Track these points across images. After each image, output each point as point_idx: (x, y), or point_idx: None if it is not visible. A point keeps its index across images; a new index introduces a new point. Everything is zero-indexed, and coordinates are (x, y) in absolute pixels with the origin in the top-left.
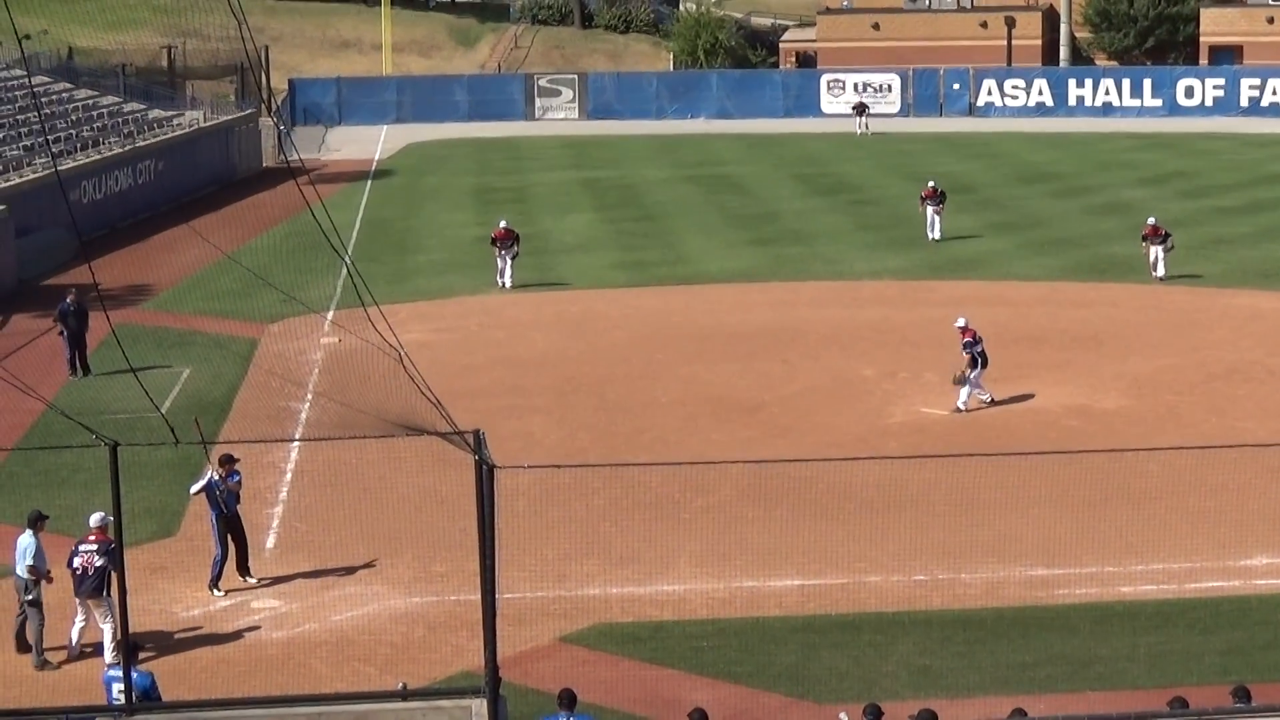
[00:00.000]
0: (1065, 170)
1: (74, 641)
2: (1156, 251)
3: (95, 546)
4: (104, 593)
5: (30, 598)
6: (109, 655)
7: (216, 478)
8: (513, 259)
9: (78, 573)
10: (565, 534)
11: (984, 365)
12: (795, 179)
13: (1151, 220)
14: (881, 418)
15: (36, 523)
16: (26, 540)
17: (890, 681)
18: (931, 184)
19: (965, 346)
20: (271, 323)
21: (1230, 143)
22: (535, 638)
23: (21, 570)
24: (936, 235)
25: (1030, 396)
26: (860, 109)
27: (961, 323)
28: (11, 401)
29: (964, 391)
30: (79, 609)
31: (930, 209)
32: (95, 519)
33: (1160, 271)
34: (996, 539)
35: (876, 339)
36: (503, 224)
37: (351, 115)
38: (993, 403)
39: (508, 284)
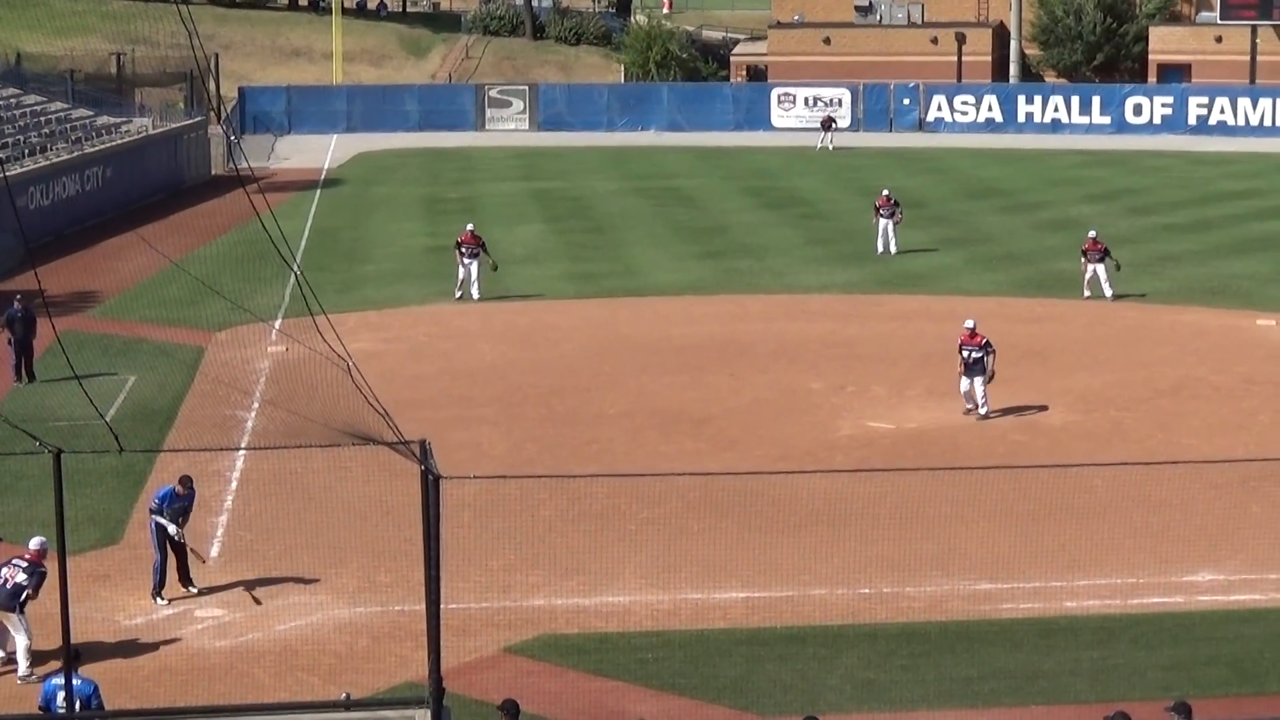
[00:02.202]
0: (1014, 186)
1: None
2: (1094, 269)
3: (24, 564)
4: (19, 609)
5: None
6: (22, 668)
7: (175, 493)
8: (477, 266)
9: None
10: (511, 545)
11: (976, 373)
12: (745, 192)
13: (1092, 233)
14: (829, 431)
15: None
16: None
17: (834, 695)
18: (885, 193)
19: (963, 348)
20: (219, 331)
21: (1178, 160)
22: (480, 648)
23: None
24: (893, 249)
25: (977, 411)
26: (827, 124)
27: (970, 324)
28: None
29: (980, 394)
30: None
31: (884, 221)
32: (35, 543)
33: (1108, 291)
34: (942, 553)
35: (825, 353)
36: (469, 228)
37: (301, 124)
38: (971, 411)
39: (474, 294)
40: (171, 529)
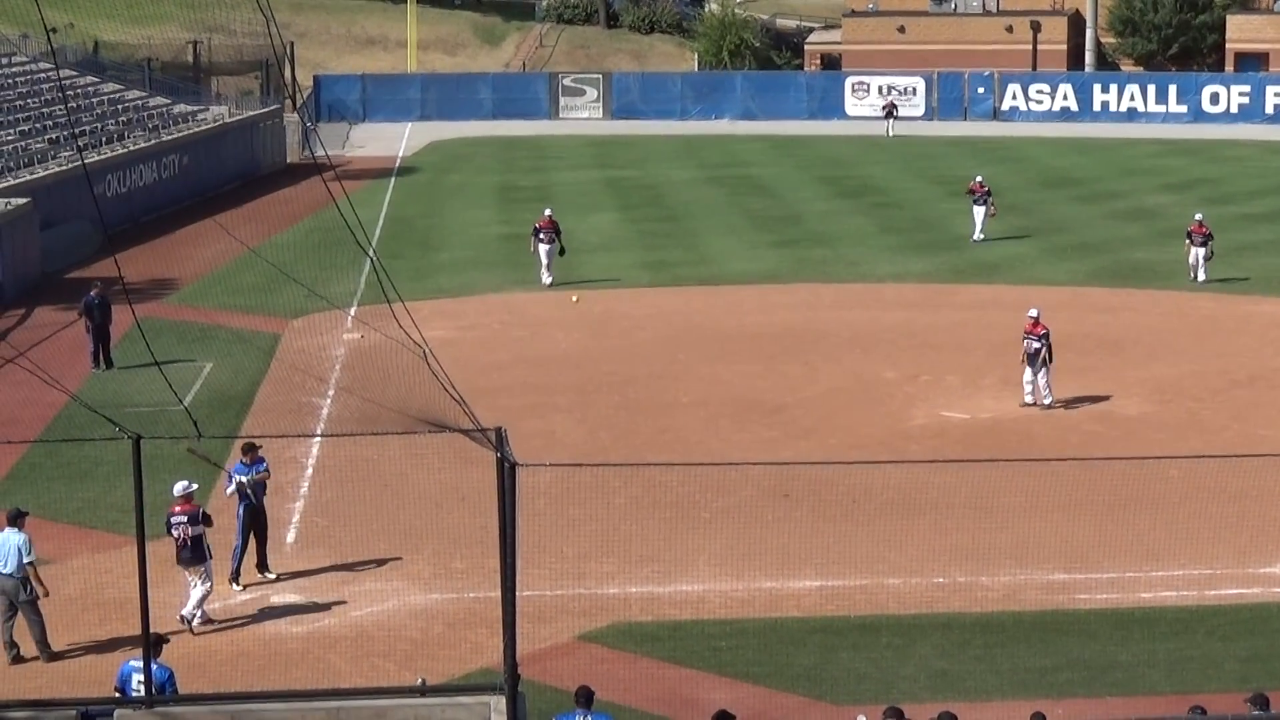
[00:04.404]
0: (1089, 175)
1: (195, 613)
2: (1198, 254)
3: (185, 518)
4: (204, 558)
5: (27, 598)
6: (188, 608)
7: (243, 464)
8: (558, 254)
9: (178, 543)
10: (585, 533)
11: (1042, 364)
12: (819, 181)
13: (1198, 216)
14: (902, 421)
15: (18, 519)
16: (19, 536)
17: (909, 684)
18: (979, 179)
19: (1026, 337)
20: (294, 318)
21: (1255, 150)
22: (554, 635)
23: (14, 568)
24: (979, 235)
25: (1052, 401)
26: (890, 110)
27: (1034, 314)
28: (35, 393)
29: (1043, 385)
30: (186, 577)
31: (976, 206)
32: (179, 488)
33: (1201, 276)
34: (1016, 543)
35: (899, 342)
36: (547, 213)
37: (376, 112)
38: (1033, 405)
39: (547, 280)
40: (237, 479)
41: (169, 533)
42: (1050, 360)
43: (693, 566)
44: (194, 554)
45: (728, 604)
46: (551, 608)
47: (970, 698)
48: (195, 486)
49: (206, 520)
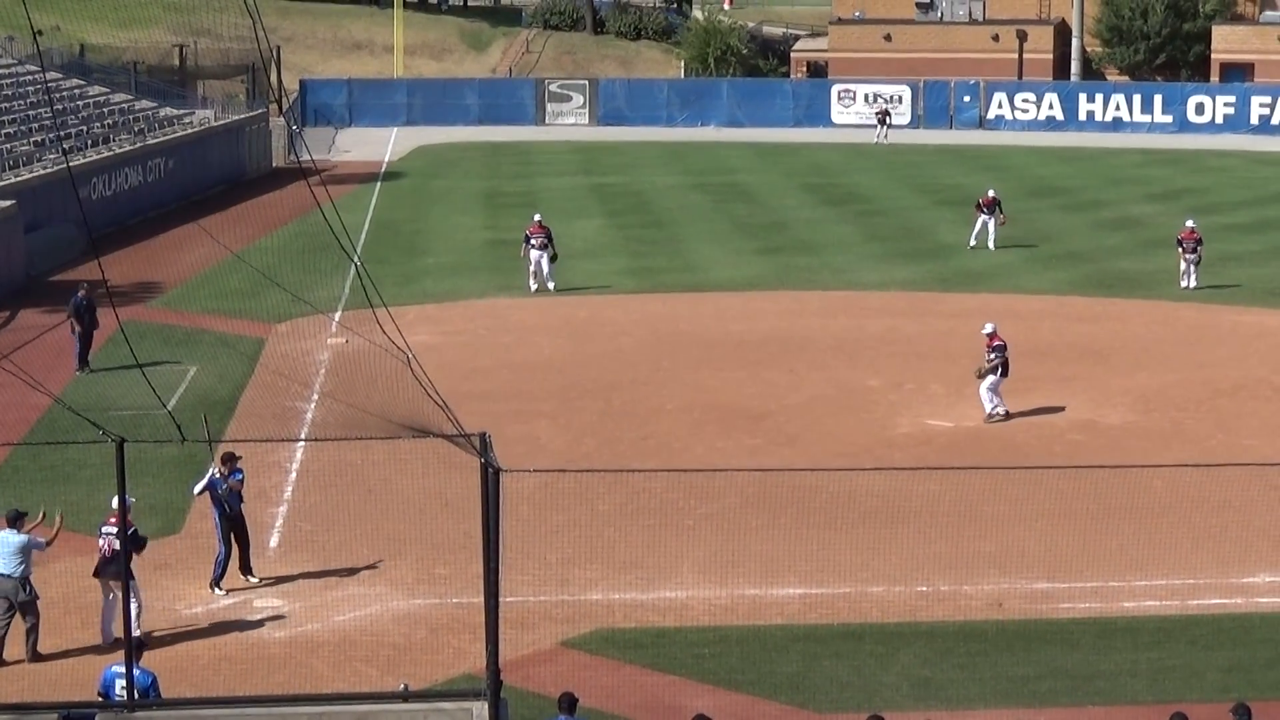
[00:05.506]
0: (1074, 184)
1: (110, 627)
2: (1189, 260)
3: (115, 530)
4: (129, 575)
5: (27, 598)
6: (138, 630)
7: (218, 476)
8: (551, 260)
9: (103, 554)
10: (568, 539)
11: (1004, 374)
12: (804, 189)
13: (1190, 223)
14: (887, 428)
15: (17, 520)
16: (19, 537)
17: (891, 692)
18: (991, 193)
19: (992, 350)
20: (279, 322)
21: (1240, 160)
22: (536, 642)
23: (13, 569)
24: (991, 245)
25: (1036, 410)
26: (883, 117)
27: (989, 328)
28: (18, 396)
29: (988, 401)
30: (104, 592)
31: (984, 217)
32: (117, 500)
33: (1190, 283)
34: (999, 552)
35: (883, 350)
36: (537, 218)
37: (362, 117)
38: (1008, 415)
39: (550, 286)
40: (206, 479)
41: (98, 538)
42: (1001, 373)
43: (676, 573)
44: (116, 567)
45: (711, 611)
46: (534, 614)
47: (953, 706)
48: (132, 500)
49: (136, 541)
